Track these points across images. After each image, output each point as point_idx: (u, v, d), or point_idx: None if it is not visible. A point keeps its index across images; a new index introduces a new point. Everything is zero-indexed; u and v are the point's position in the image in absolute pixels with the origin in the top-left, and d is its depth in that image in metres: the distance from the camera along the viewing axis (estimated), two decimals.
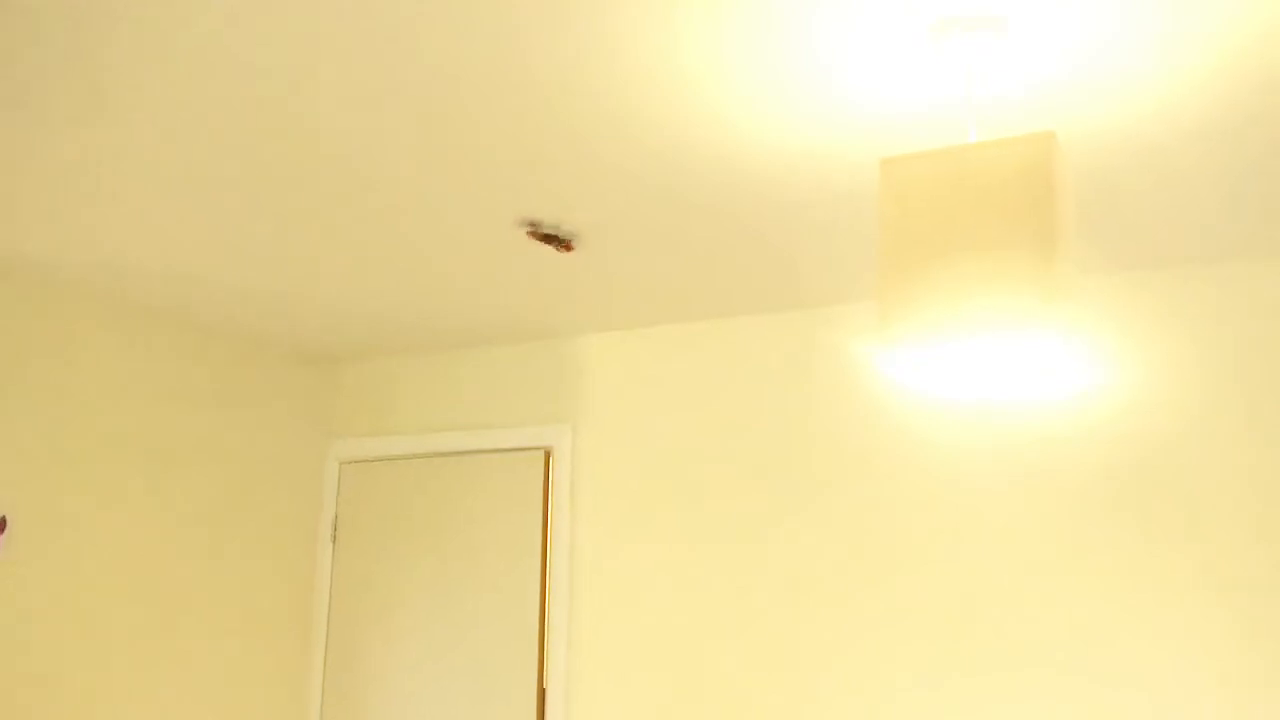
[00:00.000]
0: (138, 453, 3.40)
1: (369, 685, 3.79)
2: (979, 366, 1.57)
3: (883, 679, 3.01)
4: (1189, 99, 1.97)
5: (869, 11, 1.62)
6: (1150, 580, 2.76)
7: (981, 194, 1.39)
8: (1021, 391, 2.98)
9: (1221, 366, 2.80)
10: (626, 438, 3.55)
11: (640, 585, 3.41)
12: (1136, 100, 1.97)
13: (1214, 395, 2.79)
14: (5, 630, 2.97)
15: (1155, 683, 2.70)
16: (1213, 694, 2.65)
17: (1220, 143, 2.16)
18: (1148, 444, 2.84)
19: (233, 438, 3.74)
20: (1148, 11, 1.64)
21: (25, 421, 3.08)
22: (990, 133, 2.07)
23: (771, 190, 2.42)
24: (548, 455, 3.68)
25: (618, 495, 3.52)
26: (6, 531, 3.01)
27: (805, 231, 2.69)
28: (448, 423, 3.91)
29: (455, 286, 3.17)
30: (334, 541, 3.99)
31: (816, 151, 2.20)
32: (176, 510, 3.51)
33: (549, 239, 2.68)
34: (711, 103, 1.99)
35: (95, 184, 2.40)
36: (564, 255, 2.85)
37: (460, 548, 3.73)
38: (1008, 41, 1.69)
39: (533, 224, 2.61)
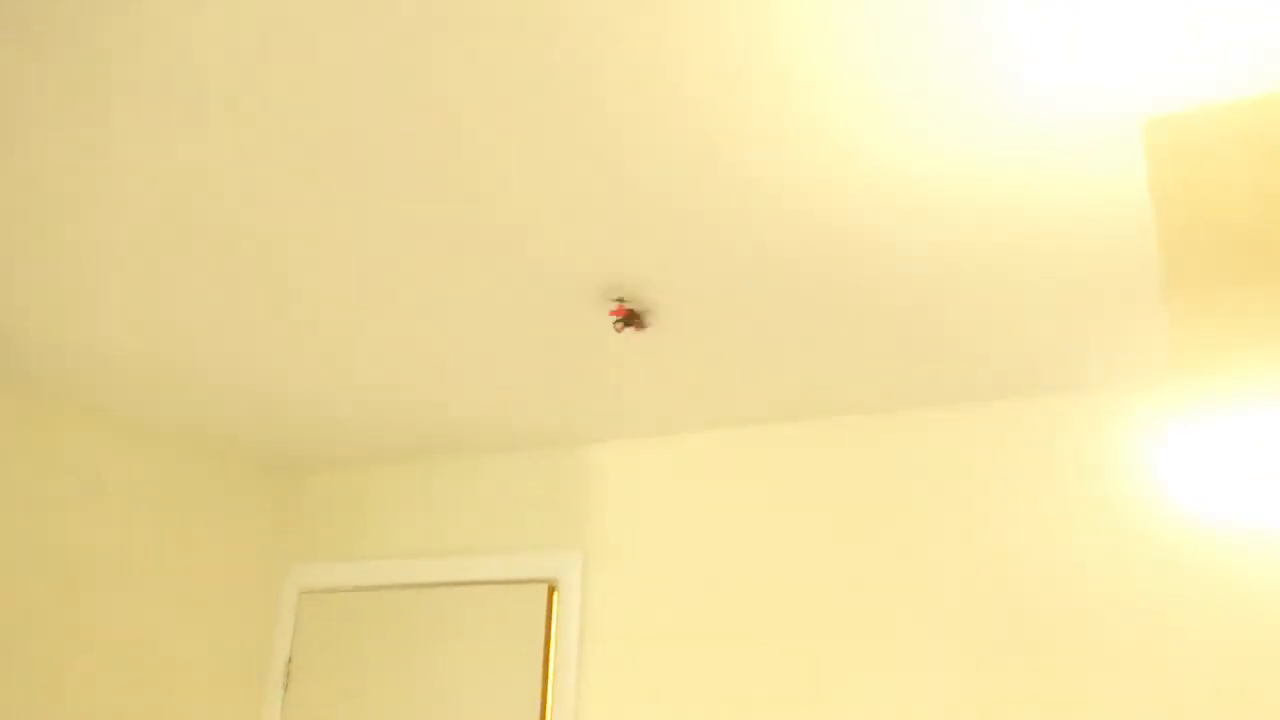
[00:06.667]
0: (62, 566, 2.87)
1: None
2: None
3: None
4: None
5: None
6: None
7: None
8: None
9: None
10: (648, 570, 2.94)
11: None
12: None
13: None
14: None
15: None
16: None
17: None
18: None
19: (175, 555, 3.21)
20: None
21: None
22: None
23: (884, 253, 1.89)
24: (551, 590, 3.07)
25: (635, 642, 2.89)
26: None
27: (911, 309, 2.15)
28: (430, 547, 3.30)
29: (444, 383, 2.62)
30: (285, 688, 3.34)
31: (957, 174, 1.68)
32: (101, 635, 2.96)
33: (630, 317, 2.14)
34: (819, 120, 1.47)
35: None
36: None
37: (442, 704, 3.05)
38: None
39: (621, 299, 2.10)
